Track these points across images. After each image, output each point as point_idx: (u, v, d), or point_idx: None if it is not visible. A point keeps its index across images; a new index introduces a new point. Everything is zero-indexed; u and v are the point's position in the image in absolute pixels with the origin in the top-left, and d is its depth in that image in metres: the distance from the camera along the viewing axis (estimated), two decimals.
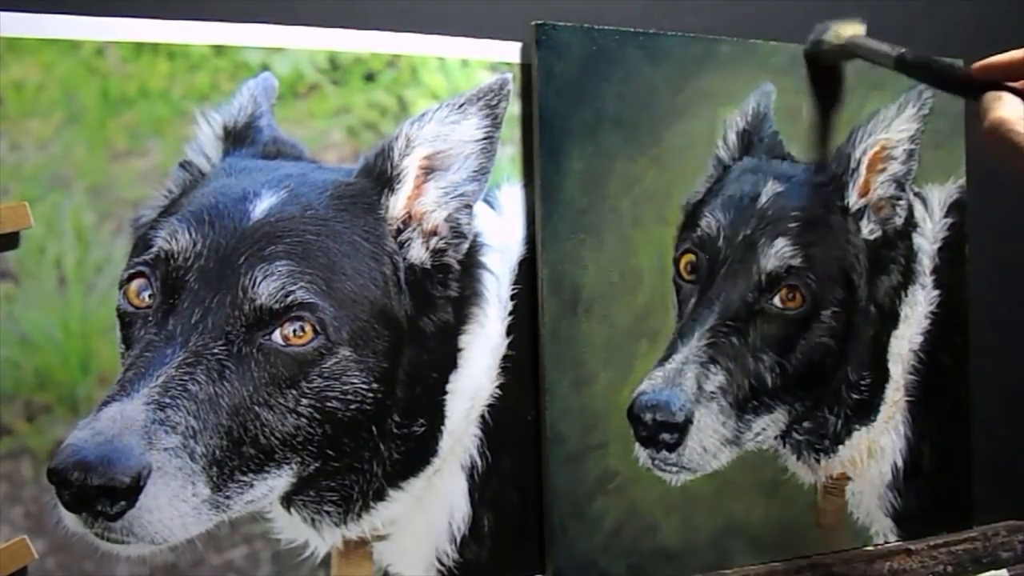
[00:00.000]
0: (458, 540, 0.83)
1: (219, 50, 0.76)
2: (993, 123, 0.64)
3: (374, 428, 0.77)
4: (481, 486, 0.84)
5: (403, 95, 0.82)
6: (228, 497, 0.70)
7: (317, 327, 0.73)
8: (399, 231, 0.79)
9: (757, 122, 0.95)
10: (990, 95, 0.67)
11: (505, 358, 0.85)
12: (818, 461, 0.98)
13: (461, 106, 0.80)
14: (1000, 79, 0.68)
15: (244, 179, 0.76)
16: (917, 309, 1.02)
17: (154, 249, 0.72)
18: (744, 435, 0.92)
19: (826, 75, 0.97)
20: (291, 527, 0.78)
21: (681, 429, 0.89)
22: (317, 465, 0.75)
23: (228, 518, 0.72)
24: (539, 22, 0.85)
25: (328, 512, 0.78)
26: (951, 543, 1.03)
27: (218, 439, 0.69)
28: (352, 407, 0.75)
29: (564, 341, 0.86)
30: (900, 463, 1.02)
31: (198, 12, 0.76)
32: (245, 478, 0.71)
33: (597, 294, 0.87)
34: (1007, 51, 0.69)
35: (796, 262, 0.93)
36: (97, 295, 0.73)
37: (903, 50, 0.85)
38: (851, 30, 0.93)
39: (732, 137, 0.94)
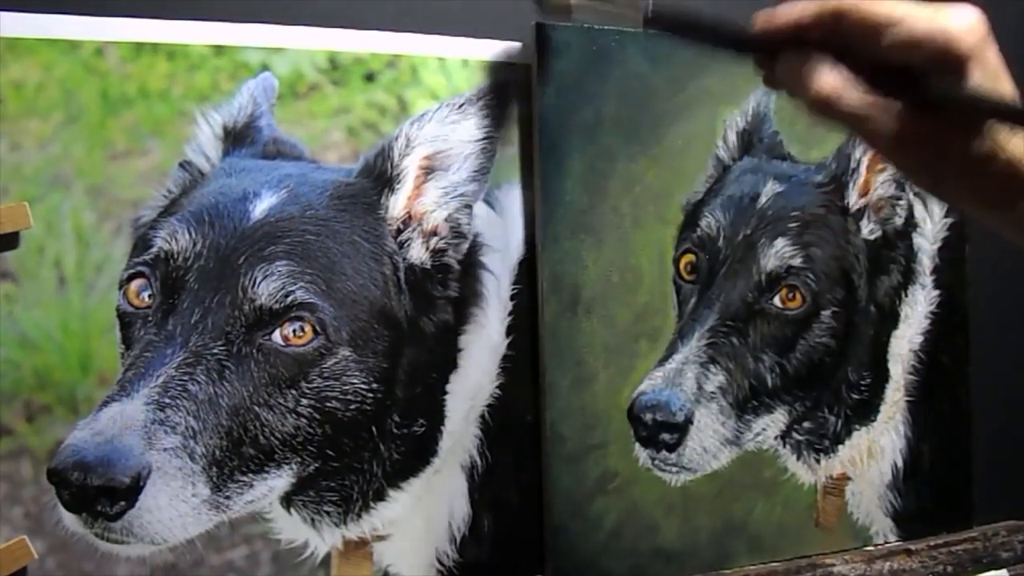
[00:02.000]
0: (458, 540, 0.83)
1: (219, 50, 0.76)
2: (820, 98, 0.52)
3: (374, 428, 0.77)
4: (481, 486, 0.84)
5: (403, 95, 0.82)
6: (228, 497, 0.70)
7: (317, 327, 0.73)
8: (399, 231, 0.79)
9: (757, 122, 0.95)
10: (790, 58, 0.55)
11: (505, 358, 0.85)
12: (818, 461, 0.98)
13: (461, 106, 0.80)
14: (791, 36, 0.55)
15: (244, 179, 0.76)
16: (917, 309, 1.02)
17: (154, 249, 0.72)
18: (744, 435, 0.92)
19: None
20: (291, 527, 0.78)
21: (681, 429, 0.89)
22: (317, 465, 0.75)
23: (228, 518, 0.72)
24: (539, 22, 0.85)
25: (328, 512, 0.78)
26: (951, 543, 1.03)
27: (218, 439, 0.69)
28: (352, 407, 0.75)
29: (564, 341, 0.86)
30: (900, 463, 1.02)
31: (198, 12, 0.76)
32: (245, 478, 0.71)
33: (597, 294, 0.87)
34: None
35: (796, 262, 0.93)
36: (97, 295, 0.73)
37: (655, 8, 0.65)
38: None
39: (732, 137, 0.94)
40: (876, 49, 0.52)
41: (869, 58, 0.52)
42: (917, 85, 0.51)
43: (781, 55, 0.55)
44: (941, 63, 0.51)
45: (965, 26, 0.52)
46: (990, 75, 0.52)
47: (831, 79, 0.52)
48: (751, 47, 0.61)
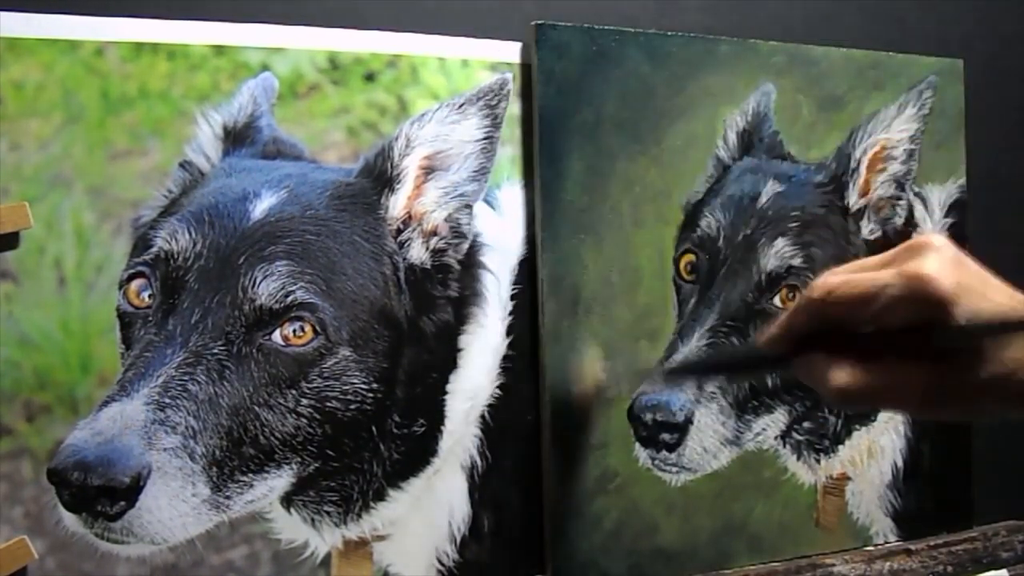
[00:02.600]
0: (458, 540, 0.83)
1: (219, 50, 0.76)
2: (841, 397, 0.54)
3: (374, 428, 0.77)
4: (481, 486, 0.84)
5: (403, 95, 0.82)
6: (228, 497, 0.70)
7: (317, 327, 0.73)
8: (399, 231, 0.79)
9: (757, 122, 0.95)
10: (804, 364, 0.56)
11: (505, 358, 0.85)
12: (818, 461, 0.98)
13: (461, 106, 0.80)
14: (789, 346, 0.57)
15: (244, 179, 0.76)
16: None
17: (154, 249, 0.72)
18: (744, 435, 0.92)
19: None
20: (291, 527, 0.78)
21: (681, 429, 0.89)
22: (317, 465, 0.75)
23: (228, 518, 0.72)
24: (539, 22, 0.85)
25: (328, 512, 0.78)
26: (951, 543, 1.03)
27: (218, 439, 0.69)
28: (352, 407, 0.75)
29: (564, 341, 0.86)
30: (900, 463, 1.02)
31: (198, 12, 0.76)
32: (245, 478, 0.71)
33: (597, 294, 0.87)
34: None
35: (796, 262, 0.93)
36: (97, 295, 0.73)
37: (668, 367, 0.76)
38: (593, 370, 0.85)
39: (732, 137, 0.94)
40: (866, 323, 0.53)
41: (869, 329, 0.54)
42: (923, 339, 0.52)
43: (793, 363, 0.57)
44: (931, 309, 0.51)
45: (937, 265, 0.52)
46: (979, 296, 0.52)
47: (842, 374, 0.54)
48: (765, 363, 0.64)
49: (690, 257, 0.92)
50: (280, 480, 0.74)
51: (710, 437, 0.90)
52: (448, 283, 0.81)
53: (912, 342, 0.52)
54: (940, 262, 0.52)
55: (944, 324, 0.51)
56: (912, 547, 1.01)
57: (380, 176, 0.79)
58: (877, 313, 0.52)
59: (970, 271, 0.53)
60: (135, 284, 0.72)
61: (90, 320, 0.72)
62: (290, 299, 0.72)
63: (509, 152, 0.85)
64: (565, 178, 0.86)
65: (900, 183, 0.99)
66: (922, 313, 0.51)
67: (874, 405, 0.54)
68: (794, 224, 0.94)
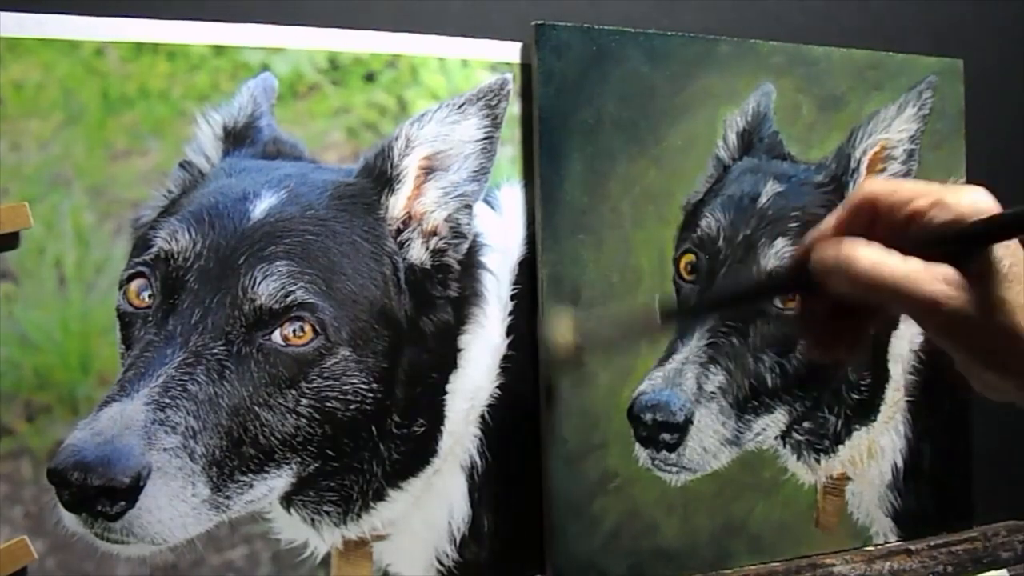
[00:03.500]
0: (458, 540, 0.83)
1: (219, 50, 0.76)
2: (870, 275, 0.51)
3: (374, 428, 0.77)
4: (481, 486, 0.84)
5: (403, 95, 0.82)
6: (228, 497, 0.70)
7: (317, 327, 0.73)
8: (399, 231, 0.79)
9: (757, 122, 0.95)
10: (825, 249, 0.53)
11: (505, 358, 0.85)
12: (818, 461, 0.98)
13: (461, 106, 0.80)
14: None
15: (244, 179, 0.76)
16: None
17: (154, 249, 0.72)
18: (744, 435, 0.92)
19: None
20: (291, 527, 0.78)
21: (681, 429, 0.89)
22: (317, 465, 0.75)
23: (228, 518, 0.72)
24: (539, 22, 0.85)
25: (328, 512, 0.78)
26: (951, 543, 1.03)
27: (218, 439, 0.69)
28: (352, 407, 0.75)
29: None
30: (900, 463, 1.02)
31: (198, 12, 0.76)
32: (245, 478, 0.71)
33: (597, 294, 0.87)
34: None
35: None
36: (97, 295, 0.73)
37: (657, 304, 0.68)
38: (564, 325, 0.79)
39: (732, 137, 0.94)
40: (904, 223, 0.52)
41: (900, 233, 0.52)
42: (963, 230, 0.50)
43: (816, 246, 0.54)
44: (957, 218, 0.50)
45: (980, 198, 0.51)
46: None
47: (870, 251, 0.51)
48: (780, 281, 0.63)
49: (690, 257, 0.92)
50: (280, 480, 0.74)
51: (710, 437, 0.90)
52: (448, 283, 0.81)
53: (958, 238, 0.51)
54: (975, 195, 0.51)
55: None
56: (912, 547, 1.01)
57: (380, 176, 0.79)
58: (912, 214, 0.51)
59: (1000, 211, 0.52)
60: (135, 284, 0.72)
61: (90, 320, 0.72)
62: (290, 299, 0.72)
63: (509, 152, 0.85)
64: (565, 178, 0.86)
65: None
66: (949, 228, 0.50)
67: (894, 296, 0.51)
68: (794, 224, 0.94)
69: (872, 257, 0.51)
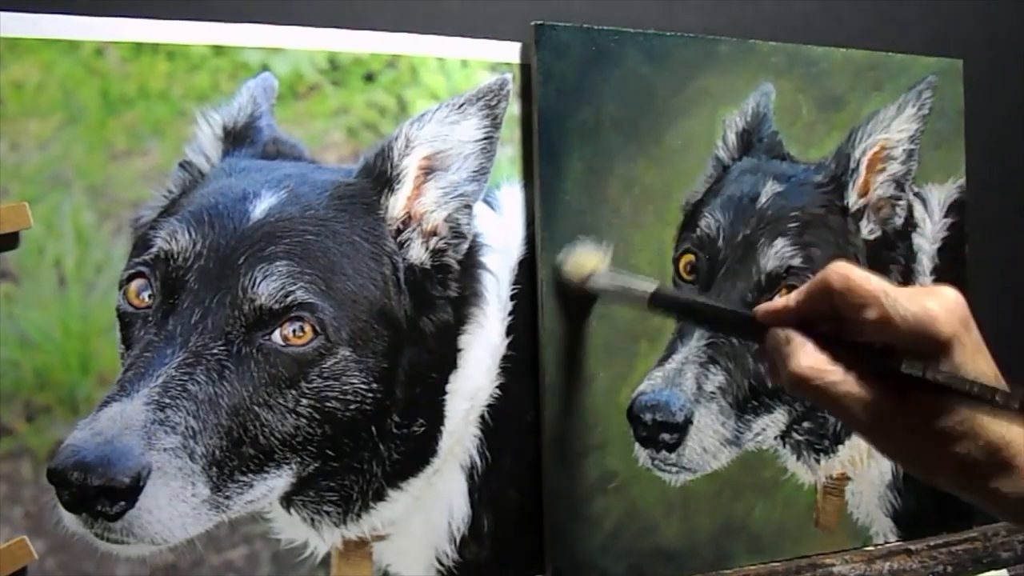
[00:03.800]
0: (458, 540, 0.83)
1: (219, 50, 0.76)
2: (797, 377, 0.55)
3: (374, 428, 0.77)
4: (481, 486, 0.84)
5: (403, 95, 0.82)
6: (228, 497, 0.70)
7: (317, 327, 0.73)
8: (399, 231, 0.79)
9: (757, 122, 0.95)
10: (776, 335, 0.57)
11: (505, 358, 0.85)
12: (818, 461, 0.98)
13: (461, 106, 0.80)
14: (785, 324, 0.58)
15: (244, 179, 0.76)
16: None
17: (154, 249, 0.72)
18: (744, 435, 0.92)
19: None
20: (291, 527, 0.78)
21: (681, 429, 0.89)
22: (317, 465, 0.75)
23: (228, 518, 0.72)
24: (539, 22, 0.85)
25: (328, 512, 0.78)
26: (951, 543, 1.03)
27: (218, 439, 0.69)
28: (352, 407, 0.75)
29: (564, 341, 0.86)
30: None
31: (198, 12, 0.76)
32: (245, 478, 0.71)
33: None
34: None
35: (796, 262, 0.93)
36: (97, 295, 0.73)
37: (656, 286, 0.74)
38: (592, 262, 0.84)
39: (732, 137, 0.94)
40: (861, 325, 0.54)
41: (854, 337, 0.55)
42: (896, 365, 0.53)
43: (768, 334, 0.58)
44: (922, 344, 0.53)
45: (946, 308, 0.53)
46: (969, 358, 0.53)
47: (810, 358, 0.55)
48: (745, 327, 0.65)
49: (690, 257, 0.92)
50: (280, 480, 0.74)
51: (710, 437, 0.90)
52: (448, 283, 0.81)
53: (887, 364, 0.53)
54: (950, 311, 0.53)
55: (929, 363, 0.52)
56: (912, 547, 1.01)
57: (380, 176, 0.79)
58: (874, 321, 0.53)
59: (972, 335, 0.54)
60: (135, 284, 0.72)
61: (90, 320, 0.72)
62: (290, 299, 0.72)
63: (509, 152, 0.85)
64: (565, 178, 0.86)
65: (900, 183, 0.99)
66: (914, 342, 0.53)
67: (824, 403, 0.55)
68: (793, 224, 0.94)
69: (810, 364, 0.55)
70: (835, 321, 0.56)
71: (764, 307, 0.60)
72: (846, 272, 0.55)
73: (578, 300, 0.86)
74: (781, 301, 0.59)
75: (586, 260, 0.84)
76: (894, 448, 0.57)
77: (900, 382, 0.53)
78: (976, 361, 0.54)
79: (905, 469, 0.59)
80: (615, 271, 0.85)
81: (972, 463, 0.53)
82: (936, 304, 0.53)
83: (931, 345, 0.52)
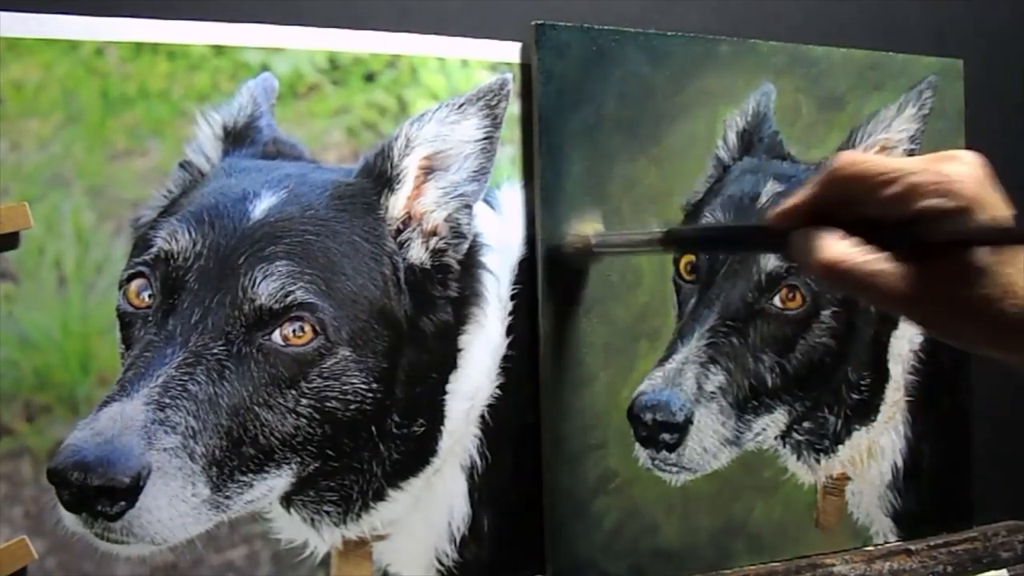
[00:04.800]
0: (458, 540, 0.83)
1: (219, 50, 0.76)
2: (826, 266, 0.54)
3: (374, 428, 0.77)
4: (481, 486, 0.84)
5: (403, 95, 0.82)
6: (228, 497, 0.70)
7: (317, 327, 0.73)
8: (399, 231, 0.79)
9: (757, 122, 0.95)
10: (799, 235, 0.56)
11: (505, 358, 0.85)
12: (818, 461, 0.98)
13: (461, 106, 0.80)
14: (800, 224, 0.57)
15: (244, 179, 0.76)
16: None
17: (154, 249, 0.72)
18: (744, 435, 0.92)
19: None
20: (291, 527, 0.78)
21: (681, 429, 0.89)
22: (317, 465, 0.75)
23: (228, 518, 0.72)
24: (539, 22, 0.85)
25: (328, 512, 0.78)
26: (951, 543, 1.03)
27: (218, 439, 0.69)
28: (352, 407, 0.75)
29: (564, 341, 0.86)
30: (900, 463, 1.02)
31: (198, 12, 0.76)
32: (245, 478, 0.71)
33: (597, 294, 0.87)
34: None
35: None
36: (97, 295, 0.73)
37: (668, 229, 0.73)
38: (591, 226, 0.85)
39: (732, 137, 0.94)
40: (881, 205, 0.53)
41: (876, 218, 0.54)
42: (923, 232, 0.52)
43: (791, 236, 0.57)
44: (944, 211, 0.52)
45: (964, 172, 0.53)
46: (992, 210, 0.53)
47: (836, 247, 0.54)
48: (764, 239, 0.64)
49: (690, 257, 0.92)
50: (280, 480, 0.74)
51: (710, 437, 0.90)
52: (448, 283, 0.81)
53: (912, 234, 0.53)
54: (969, 170, 0.53)
55: (954, 221, 0.51)
56: (912, 547, 1.01)
57: (380, 176, 0.79)
58: (893, 196, 0.53)
59: (991, 190, 0.54)
60: (135, 284, 0.72)
61: (90, 320, 0.72)
62: (290, 299, 0.72)
63: (509, 152, 0.85)
64: (565, 178, 0.86)
65: None
66: (936, 211, 0.52)
67: (858, 287, 0.54)
68: None
69: (837, 252, 0.54)
70: (850, 206, 0.55)
71: (776, 211, 0.59)
72: (854, 156, 0.55)
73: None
74: (792, 201, 0.58)
75: (584, 226, 0.85)
76: (934, 317, 0.55)
77: (930, 250, 0.52)
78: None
79: (948, 339, 0.57)
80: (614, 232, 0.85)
81: (1008, 327, 0.52)
82: (954, 168, 0.52)
83: (954, 209, 0.52)
